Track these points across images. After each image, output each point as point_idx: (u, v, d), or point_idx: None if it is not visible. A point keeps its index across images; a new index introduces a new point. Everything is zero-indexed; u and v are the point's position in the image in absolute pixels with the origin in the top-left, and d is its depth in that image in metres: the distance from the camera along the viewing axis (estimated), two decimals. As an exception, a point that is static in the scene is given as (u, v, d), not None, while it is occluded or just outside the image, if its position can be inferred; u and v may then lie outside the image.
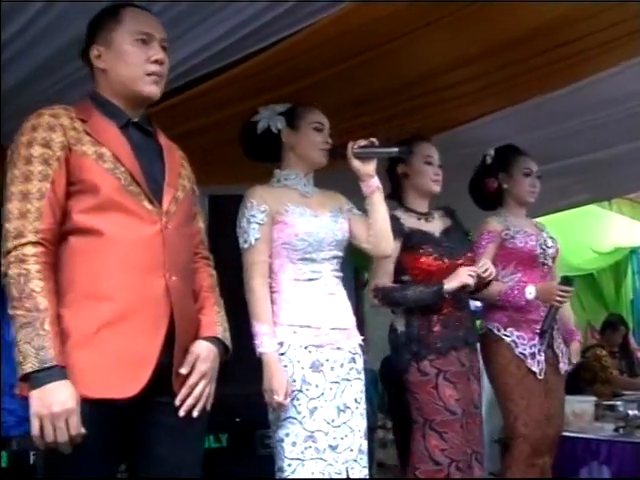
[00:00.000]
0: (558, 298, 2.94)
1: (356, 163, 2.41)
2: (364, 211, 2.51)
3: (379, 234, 2.47)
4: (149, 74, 1.77)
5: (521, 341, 2.99)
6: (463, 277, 2.68)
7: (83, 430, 1.54)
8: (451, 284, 2.69)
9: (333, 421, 2.31)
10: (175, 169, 1.84)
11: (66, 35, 2.30)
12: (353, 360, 2.42)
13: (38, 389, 1.52)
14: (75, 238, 1.67)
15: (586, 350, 5.39)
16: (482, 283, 2.76)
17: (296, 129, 2.47)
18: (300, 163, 2.48)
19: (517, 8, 2.54)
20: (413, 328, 2.75)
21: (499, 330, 3.01)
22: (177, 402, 1.71)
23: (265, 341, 2.28)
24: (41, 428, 1.52)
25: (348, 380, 2.38)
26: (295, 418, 2.26)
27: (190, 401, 1.72)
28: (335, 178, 2.57)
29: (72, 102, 1.80)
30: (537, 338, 2.99)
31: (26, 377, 1.54)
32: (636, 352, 6.39)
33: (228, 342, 1.87)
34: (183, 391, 1.72)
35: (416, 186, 2.91)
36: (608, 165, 3.92)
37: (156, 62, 1.78)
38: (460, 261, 2.78)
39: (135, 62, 1.76)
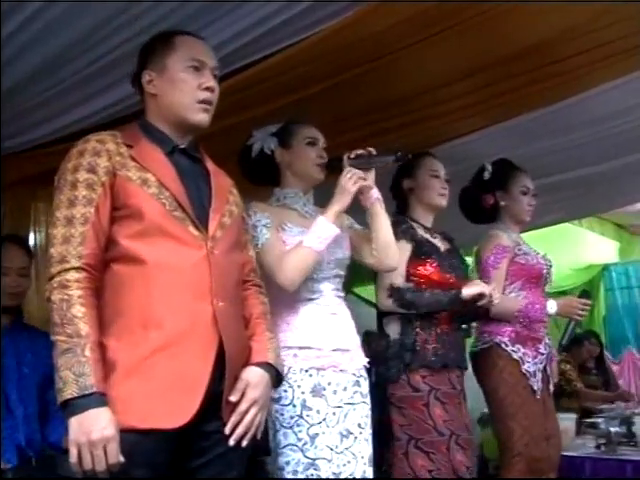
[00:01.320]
0: (579, 312, 2.94)
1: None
2: (365, 225, 2.45)
3: (383, 246, 2.39)
4: (200, 101, 1.78)
5: (527, 358, 2.96)
6: (480, 287, 2.66)
7: (122, 459, 1.51)
8: (469, 290, 2.65)
9: (336, 447, 2.22)
10: (222, 195, 1.84)
11: (65, 35, 2.26)
12: (357, 383, 2.33)
13: (77, 416, 1.51)
14: (120, 266, 1.66)
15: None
16: (479, 305, 2.72)
17: (289, 147, 2.42)
18: (298, 181, 2.42)
19: (510, 26, 2.57)
20: (408, 337, 2.65)
21: (507, 345, 2.96)
22: (227, 430, 1.68)
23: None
24: (79, 456, 1.50)
25: (352, 404, 2.29)
26: (296, 445, 2.18)
27: (240, 430, 1.69)
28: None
29: (73, 104, 1.76)
30: (539, 359, 2.98)
31: (65, 404, 1.52)
32: (611, 367, 6.47)
33: (280, 368, 1.86)
34: (233, 419, 1.69)
35: (422, 200, 2.87)
36: (589, 183, 3.97)
37: (207, 89, 1.78)
38: (464, 282, 2.75)
39: (187, 89, 1.77)
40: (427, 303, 2.65)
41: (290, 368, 2.21)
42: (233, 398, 1.69)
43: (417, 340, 2.65)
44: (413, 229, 2.76)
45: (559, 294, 6.92)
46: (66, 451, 1.53)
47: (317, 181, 2.42)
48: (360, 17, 2.32)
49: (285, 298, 2.28)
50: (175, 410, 1.58)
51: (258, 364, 1.78)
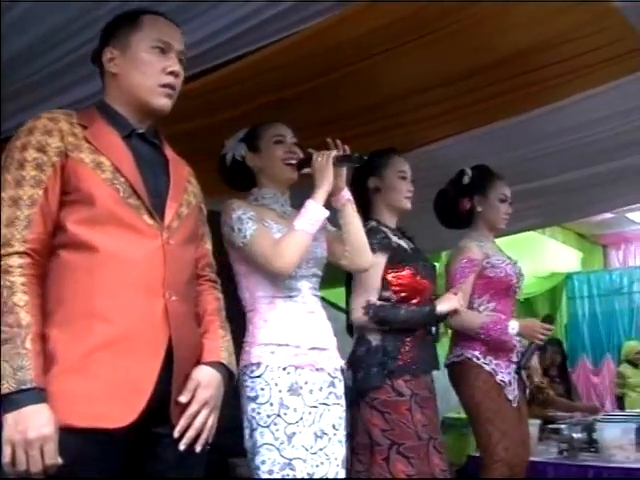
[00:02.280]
0: (540, 336, 2.96)
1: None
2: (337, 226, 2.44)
3: (356, 247, 2.40)
4: (163, 85, 1.69)
5: (499, 369, 2.98)
6: (454, 302, 2.68)
7: (60, 460, 1.42)
8: (443, 306, 2.67)
9: (311, 447, 2.21)
10: (180, 184, 1.75)
11: (39, 27, 2.19)
12: (332, 384, 2.33)
13: (13, 412, 1.40)
14: (67, 252, 1.55)
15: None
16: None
17: (258, 151, 2.40)
18: (272, 183, 2.41)
19: (487, 34, 2.60)
20: (389, 344, 2.63)
21: (478, 359, 2.97)
22: (176, 434, 1.58)
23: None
24: (13, 455, 1.40)
25: (326, 405, 2.29)
26: (272, 444, 2.14)
27: (191, 433, 1.59)
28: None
29: (47, 96, 1.69)
30: (512, 367, 3.01)
31: (1, 398, 1.41)
32: (571, 375, 6.55)
33: (233, 368, 1.77)
34: (182, 422, 1.59)
35: (387, 201, 2.82)
36: (560, 191, 4.01)
37: (171, 74, 1.69)
38: (432, 283, 2.77)
39: (150, 71, 1.68)
40: (402, 320, 2.64)
41: (267, 366, 2.19)
42: (183, 399, 1.60)
43: (399, 346, 2.64)
44: (387, 238, 2.72)
45: (521, 303, 7.06)
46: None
47: (290, 180, 2.41)
48: (339, 21, 2.32)
49: (263, 295, 2.27)
50: (119, 410, 1.48)
51: (210, 363, 1.68)
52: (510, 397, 2.97)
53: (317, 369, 2.28)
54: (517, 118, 3.17)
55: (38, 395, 1.42)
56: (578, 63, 2.78)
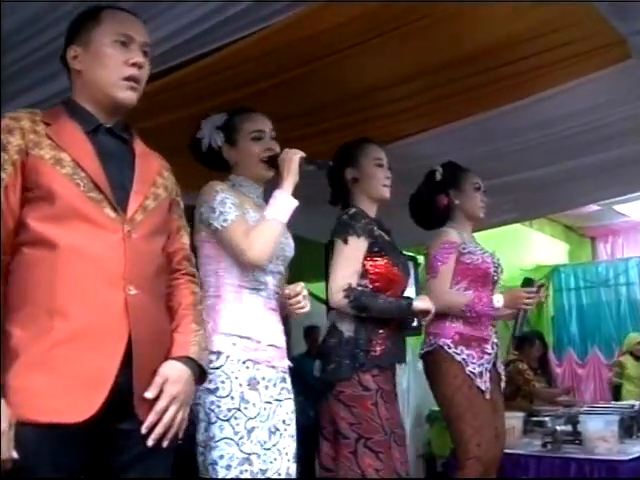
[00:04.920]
0: (526, 301, 2.96)
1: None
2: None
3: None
4: (126, 78, 1.68)
5: (470, 359, 2.97)
6: (430, 303, 2.67)
7: (15, 455, 1.41)
8: (419, 304, 2.66)
9: (265, 443, 2.19)
10: (148, 177, 1.74)
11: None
12: (284, 380, 2.32)
13: None
14: (29, 249, 1.56)
15: (507, 364, 5.49)
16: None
17: (235, 144, 2.37)
18: (248, 176, 2.38)
19: (458, 28, 2.60)
20: (361, 337, 2.62)
21: (449, 347, 2.97)
22: (144, 430, 1.57)
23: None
24: None
25: (279, 400, 2.28)
26: (232, 439, 2.10)
27: (159, 429, 1.58)
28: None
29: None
30: (486, 358, 3.00)
31: None
32: (555, 368, 6.57)
33: (204, 363, 1.76)
34: (150, 417, 1.58)
35: (366, 191, 2.78)
36: (539, 185, 4.02)
37: (134, 65, 1.68)
38: (407, 276, 2.77)
39: (112, 64, 1.67)
40: (379, 309, 2.63)
41: (228, 357, 2.17)
42: (149, 395, 1.58)
43: (370, 339, 2.64)
44: (371, 224, 2.70)
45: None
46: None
47: (264, 179, 2.39)
48: (312, 14, 2.32)
49: (230, 283, 2.25)
50: (77, 404, 1.48)
51: (178, 358, 1.67)
52: (483, 388, 2.96)
53: (272, 366, 2.27)
54: (491, 112, 3.18)
55: None
56: (551, 57, 2.79)
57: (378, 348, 2.64)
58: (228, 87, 2.74)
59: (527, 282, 3.07)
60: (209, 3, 2.16)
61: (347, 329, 2.65)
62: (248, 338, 2.21)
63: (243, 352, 2.19)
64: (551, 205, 4.94)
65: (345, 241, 2.64)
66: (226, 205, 2.20)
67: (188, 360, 1.69)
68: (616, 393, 6.65)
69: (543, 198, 4.42)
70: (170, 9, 2.16)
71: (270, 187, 2.35)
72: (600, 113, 3.20)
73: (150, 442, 1.57)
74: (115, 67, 1.67)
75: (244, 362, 2.19)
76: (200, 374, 1.75)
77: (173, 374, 1.64)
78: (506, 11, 2.51)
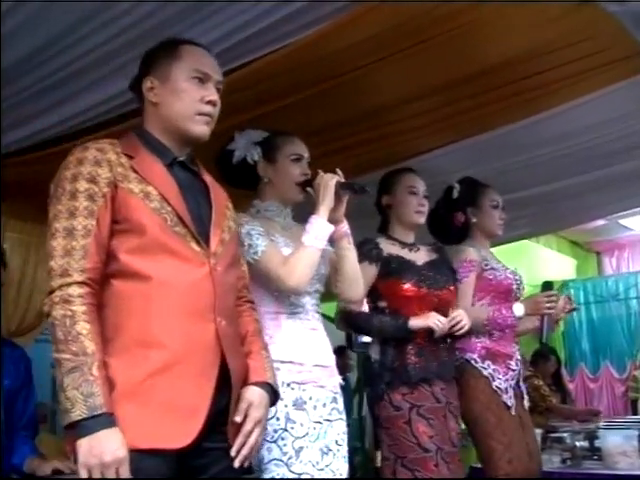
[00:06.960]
0: (547, 305, 2.90)
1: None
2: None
3: (347, 282, 2.38)
4: (201, 114, 1.74)
5: (497, 375, 2.94)
6: (429, 321, 2.64)
7: None
8: (416, 322, 2.65)
9: (317, 464, 2.18)
10: (221, 209, 1.81)
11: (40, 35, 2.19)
12: (335, 400, 2.31)
13: (87, 437, 1.46)
14: (120, 281, 1.60)
15: (523, 380, 5.44)
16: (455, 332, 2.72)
17: (273, 162, 2.37)
18: (278, 196, 2.39)
19: (476, 43, 2.60)
20: (387, 357, 2.67)
21: (476, 362, 2.95)
22: (233, 452, 1.67)
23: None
24: (89, 478, 1.46)
25: (330, 421, 2.27)
26: (280, 460, 2.12)
27: (246, 451, 1.68)
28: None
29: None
30: (510, 375, 2.98)
31: (72, 425, 1.47)
32: (568, 384, 6.52)
33: (277, 388, 1.84)
34: (239, 440, 1.68)
35: (399, 217, 2.87)
36: (554, 199, 4.02)
37: (209, 103, 1.74)
38: (442, 292, 2.76)
39: (189, 100, 1.73)
40: (377, 329, 2.69)
41: None
42: (238, 419, 1.68)
43: (396, 358, 2.66)
44: (378, 248, 2.75)
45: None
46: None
47: (293, 202, 2.40)
48: (330, 31, 2.32)
49: (266, 311, 2.25)
50: (177, 432, 1.54)
51: (257, 383, 1.75)
52: (509, 403, 2.93)
53: (320, 386, 2.27)
54: (508, 127, 3.18)
55: (109, 420, 1.47)
56: (568, 71, 2.79)
57: (406, 364, 2.65)
58: (247, 105, 2.74)
59: (547, 286, 3.04)
60: (231, 21, 2.19)
61: (374, 352, 2.74)
62: (290, 362, 2.22)
63: (286, 375, 2.19)
64: (564, 220, 4.94)
65: None
66: (253, 237, 2.21)
67: (265, 385, 1.78)
68: (634, 408, 6.61)
69: (556, 213, 4.42)
70: (188, 30, 2.16)
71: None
72: (615, 126, 3.22)
73: (237, 463, 1.66)
74: (191, 103, 1.73)
75: (288, 384, 2.19)
76: (274, 397, 1.84)
77: (255, 399, 1.73)
78: (522, 25, 2.51)
